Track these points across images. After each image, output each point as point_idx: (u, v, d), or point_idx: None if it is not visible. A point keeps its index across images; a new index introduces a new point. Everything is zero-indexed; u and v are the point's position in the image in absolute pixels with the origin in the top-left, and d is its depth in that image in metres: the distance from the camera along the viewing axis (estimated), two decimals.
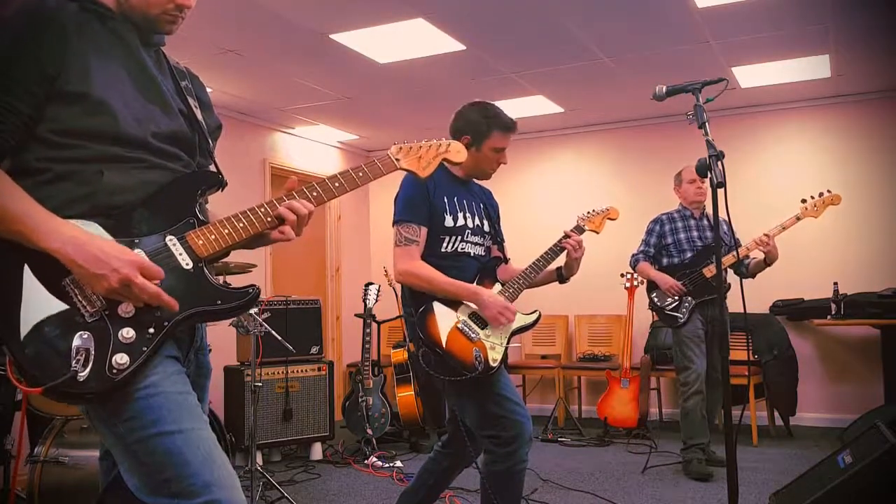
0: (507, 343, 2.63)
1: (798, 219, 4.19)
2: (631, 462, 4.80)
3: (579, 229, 2.87)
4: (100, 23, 1.45)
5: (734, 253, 4.22)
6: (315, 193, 1.57)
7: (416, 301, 2.58)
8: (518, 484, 2.60)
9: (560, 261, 2.82)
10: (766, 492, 3.88)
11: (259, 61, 4.85)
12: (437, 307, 2.55)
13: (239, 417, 4.69)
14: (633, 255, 4.66)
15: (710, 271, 4.33)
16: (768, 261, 4.22)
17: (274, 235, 1.55)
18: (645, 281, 5.82)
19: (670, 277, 4.39)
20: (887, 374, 5.32)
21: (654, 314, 4.63)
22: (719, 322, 2.68)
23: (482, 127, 2.66)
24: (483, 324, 2.58)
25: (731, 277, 4.20)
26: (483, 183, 2.92)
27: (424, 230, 2.59)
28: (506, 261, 2.87)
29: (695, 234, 4.48)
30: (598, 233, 2.97)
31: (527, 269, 2.73)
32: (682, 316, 4.36)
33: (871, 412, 4.75)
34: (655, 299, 4.49)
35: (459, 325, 2.54)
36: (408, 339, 5.13)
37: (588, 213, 2.98)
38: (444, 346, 2.49)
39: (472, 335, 2.54)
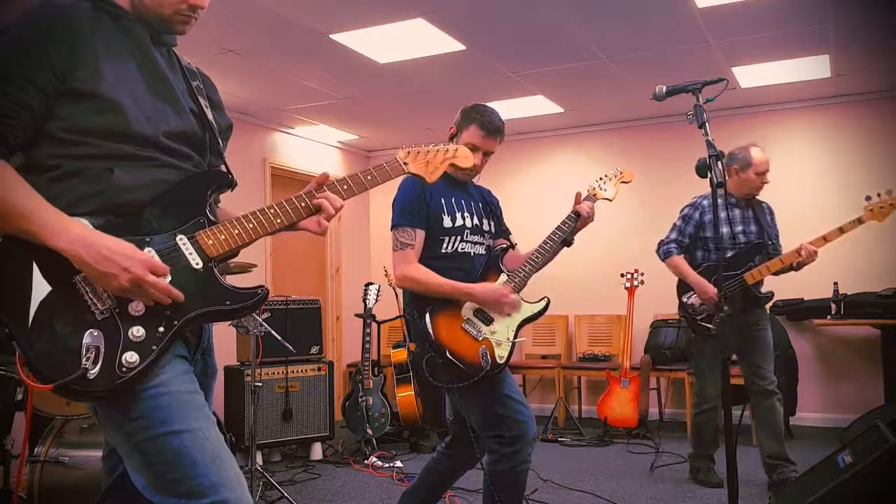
0: (515, 337, 2.60)
1: (860, 221, 3.71)
2: (631, 462, 4.80)
3: (590, 199, 2.78)
4: (113, 22, 1.45)
5: (780, 259, 3.77)
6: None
7: (418, 304, 2.58)
8: (521, 484, 2.60)
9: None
10: (765, 492, 3.88)
11: (259, 61, 4.85)
12: (440, 309, 2.54)
13: (239, 417, 4.69)
14: (662, 244, 4.05)
15: (752, 277, 3.78)
16: (797, 267, 3.79)
17: (307, 225, 1.56)
18: (644, 280, 5.88)
19: (710, 285, 3.81)
20: (887, 374, 5.33)
21: (681, 316, 4.09)
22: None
23: (465, 119, 2.68)
24: (488, 320, 2.57)
25: (770, 283, 3.90)
26: (482, 182, 2.91)
27: (421, 233, 2.59)
28: (512, 246, 2.84)
29: (738, 228, 3.93)
30: (611, 200, 2.83)
31: (534, 254, 2.68)
32: (714, 328, 3.85)
33: (871, 412, 4.75)
34: (688, 303, 3.95)
35: (464, 325, 2.54)
36: (408, 339, 5.13)
37: (599, 179, 2.84)
38: (449, 348, 2.48)
39: (477, 334, 2.54)
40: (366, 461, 4.85)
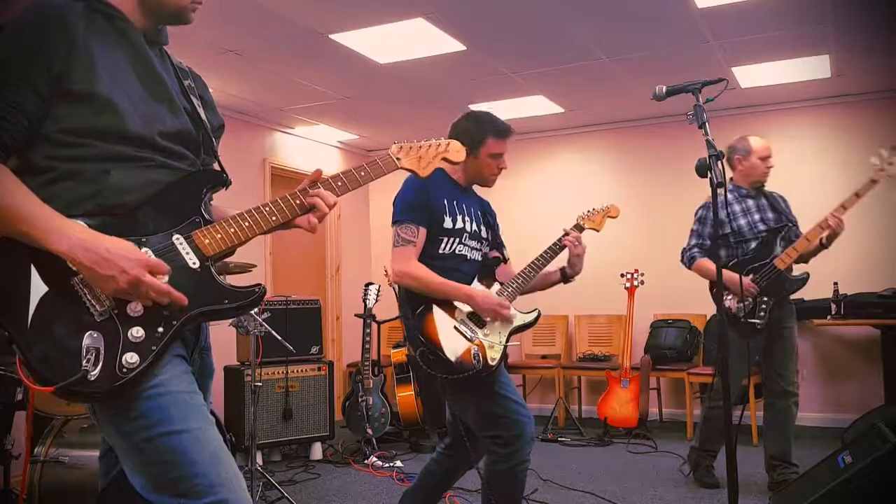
0: (507, 342, 2.63)
1: (874, 182, 3.67)
2: (631, 462, 4.80)
3: (578, 227, 2.88)
4: (106, 22, 1.45)
5: (805, 236, 3.71)
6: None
7: (414, 302, 2.59)
8: (520, 484, 2.60)
9: (563, 261, 2.82)
10: (766, 492, 3.88)
11: (259, 61, 4.85)
12: (435, 308, 2.56)
13: (239, 417, 4.69)
14: (685, 252, 3.98)
15: (782, 262, 3.70)
16: (826, 243, 3.72)
17: (300, 222, 1.56)
18: (644, 280, 5.88)
19: (741, 276, 3.72)
20: (887, 374, 5.32)
21: (721, 316, 4.07)
22: (721, 324, 2.64)
23: (476, 134, 2.70)
24: (481, 323, 2.59)
25: (802, 266, 3.84)
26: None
27: (423, 231, 2.61)
28: (504, 260, 2.88)
29: (756, 217, 3.85)
30: (598, 230, 2.96)
31: (525, 268, 2.75)
32: (760, 322, 3.71)
33: (871, 412, 4.75)
34: (729, 305, 3.78)
35: (457, 325, 2.55)
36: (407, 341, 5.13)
37: (588, 211, 2.97)
38: (441, 347, 2.50)
39: (470, 335, 2.55)
40: (366, 461, 4.85)
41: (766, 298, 3.73)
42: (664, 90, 2.51)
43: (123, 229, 1.38)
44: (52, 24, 1.36)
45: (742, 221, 3.84)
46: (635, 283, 5.82)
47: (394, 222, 2.63)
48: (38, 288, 1.31)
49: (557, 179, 6.93)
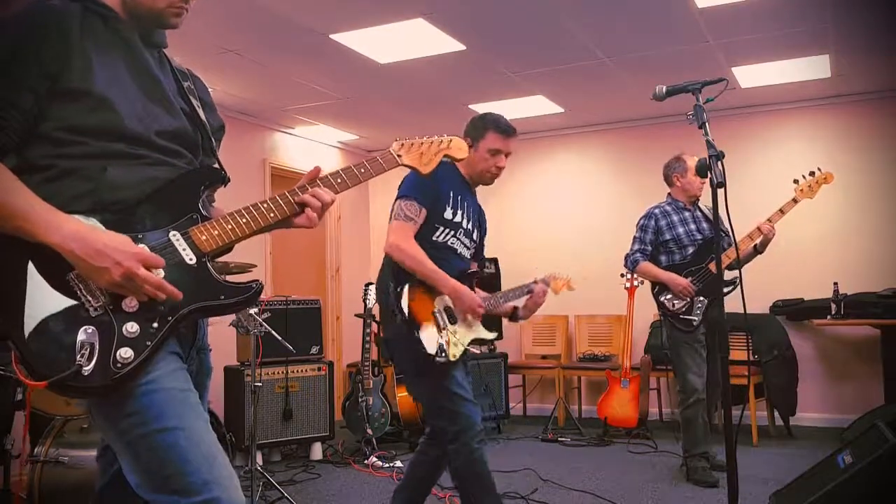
0: (468, 344, 2.76)
1: (795, 201, 4.10)
2: (631, 462, 4.80)
3: (545, 283, 3.09)
4: (102, 23, 1.46)
5: (733, 249, 3.96)
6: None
7: (399, 276, 2.67)
8: (483, 472, 2.65)
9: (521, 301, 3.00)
10: (766, 492, 3.87)
11: (259, 61, 4.85)
12: (419, 288, 2.65)
13: (239, 417, 4.69)
14: (628, 256, 4.36)
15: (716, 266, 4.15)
16: (760, 248, 4.06)
17: (300, 221, 1.57)
18: (644, 280, 5.87)
19: (681, 277, 4.11)
20: (887, 374, 5.32)
21: (661, 316, 4.30)
22: (720, 322, 2.66)
23: (479, 128, 2.83)
24: (453, 319, 2.71)
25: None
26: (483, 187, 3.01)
27: (424, 212, 2.70)
28: (479, 274, 3.03)
29: (692, 226, 4.23)
30: (556, 293, 3.18)
31: (497, 293, 2.94)
32: (696, 319, 4.08)
33: (871, 412, 4.75)
34: (667, 303, 4.16)
35: (435, 312, 2.66)
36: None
37: (551, 275, 3.19)
38: (418, 325, 2.59)
39: (443, 324, 2.67)
40: (366, 461, 4.84)
41: (701, 299, 4.10)
42: (664, 90, 2.52)
43: (121, 226, 1.39)
44: (48, 24, 1.37)
45: (681, 230, 4.25)
46: (635, 283, 5.81)
47: (400, 196, 2.71)
48: (34, 283, 1.32)
49: (557, 179, 6.92)
